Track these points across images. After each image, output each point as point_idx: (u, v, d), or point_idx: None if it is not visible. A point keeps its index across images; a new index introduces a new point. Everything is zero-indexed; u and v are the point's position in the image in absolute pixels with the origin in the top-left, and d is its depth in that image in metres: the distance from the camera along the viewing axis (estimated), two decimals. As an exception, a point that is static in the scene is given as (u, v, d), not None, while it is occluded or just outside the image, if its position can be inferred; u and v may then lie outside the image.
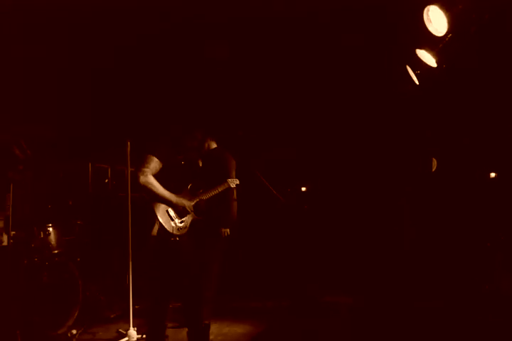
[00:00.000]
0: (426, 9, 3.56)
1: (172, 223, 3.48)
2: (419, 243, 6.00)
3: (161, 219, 3.44)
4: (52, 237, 4.26)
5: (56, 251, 4.26)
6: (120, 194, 5.60)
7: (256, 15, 4.59)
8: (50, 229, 4.25)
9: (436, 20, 3.54)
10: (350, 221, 6.70)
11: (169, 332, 3.77)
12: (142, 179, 3.32)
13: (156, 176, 3.41)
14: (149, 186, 3.34)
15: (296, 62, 5.43)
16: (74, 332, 4.11)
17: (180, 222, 3.53)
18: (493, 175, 6.20)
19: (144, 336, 4.02)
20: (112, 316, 4.66)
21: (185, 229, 3.54)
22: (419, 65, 4.18)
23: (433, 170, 6.02)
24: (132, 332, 4.12)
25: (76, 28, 4.58)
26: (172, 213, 3.51)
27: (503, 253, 5.06)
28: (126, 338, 4.10)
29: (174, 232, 3.46)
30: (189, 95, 5.55)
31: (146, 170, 3.35)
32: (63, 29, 4.56)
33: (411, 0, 3.72)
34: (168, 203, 3.46)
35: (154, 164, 3.40)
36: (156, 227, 3.44)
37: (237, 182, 4.06)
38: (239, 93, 5.89)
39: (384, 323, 4.37)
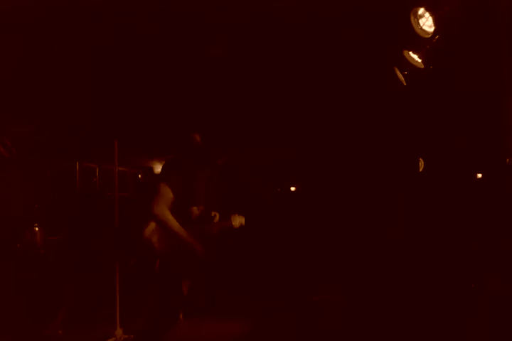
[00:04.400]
0: (413, 11, 3.59)
1: None
2: (407, 242, 6.04)
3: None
4: (39, 237, 4.24)
5: (43, 251, 4.24)
6: (108, 193, 5.58)
7: (249, 14, 4.59)
8: (37, 228, 4.22)
9: (423, 22, 3.57)
10: (340, 220, 6.73)
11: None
12: (157, 210, 3.15)
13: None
14: (165, 219, 3.18)
15: (287, 63, 5.44)
16: (61, 332, 4.09)
17: None
18: (479, 175, 6.27)
19: (132, 336, 4.00)
20: (100, 316, 4.64)
21: None
22: (406, 66, 4.21)
23: (420, 170, 6.07)
24: (119, 332, 4.11)
25: (68, 26, 4.55)
26: None
27: (490, 253, 5.11)
28: (114, 338, 4.09)
29: None
30: (180, 96, 5.55)
31: (160, 200, 3.18)
32: (54, 26, 4.53)
33: (398, 2, 3.75)
34: (182, 241, 3.25)
35: (168, 193, 3.22)
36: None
37: (243, 221, 3.86)
38: (229, 93, 5.88)
39: (374, 320, 4.40)
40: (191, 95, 5.48)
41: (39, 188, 4.90)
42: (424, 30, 3.63)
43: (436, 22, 3.40)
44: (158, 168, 7.14)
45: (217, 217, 3.78)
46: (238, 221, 3.84)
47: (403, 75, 4.41)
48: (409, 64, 4.08)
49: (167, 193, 3.21)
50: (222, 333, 4.28)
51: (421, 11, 3.47)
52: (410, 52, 3.99)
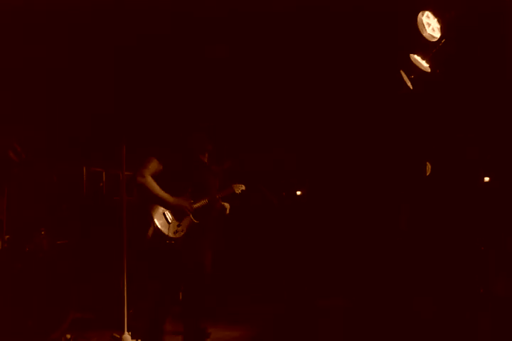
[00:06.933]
0: (420, 14, 3.60)
1: (169, 226, 3.47)
2: (413, 246, 6.02)
3: (157, 222, 3.43)
4: (47, 241, 4.24)
5: (50, 255, 4.24)
6: (115, 198, 5.58)
7: (248, 15, 4.60)
8: (44, 232, 4.23)
9: (430, 26, 3.58)
10: (344, 224, 6.72)
11: (166, 338, 3.73)
12: (140, 179, 3.34)
13: (158, 179, 3.41)
14: (146, 185, 3.35)
15: (291, 65, 5.46)
16: (68, 336, 4.09)
17: (178, 225, 3.51)
18: (487, 179, 6.24)
19: (139, 340, 4.00)
20: (107, 320, 4.64)
21: (183, 232, 3.51)
22: (413, 70, 4.22)
23: (427, 174, 6.06)
24: (127, 336, 4.10)
25: (71, 26, 4.57)
26: (169, 216, 3.49)
27: (498, 257, 5.09)
28: (121, 342, 4.08)
29: (170, 235, 3.43)
30: (186, 97, 5.56)
31: (144, 170, 3.38)
32: (58, 28, 4.55)
33: (405, 5, 3.76)
34: (166, 204, 3.43)
35: (154, 165, 3.42)
36: (151, 230, 3.43)
37: (243, 187, 3.98)
38: (236, 95, 5.90)
39: (378, 325, 4.38)
40: (198, 100, 5.50)
41: (46, 192, 4.91)
42: (430, 34, 3.64)
43: (443, 26, 3.40)
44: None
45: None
46: (239, 188, 3.96)
47: (410, 79, 4.42)
48: (416, 68, 4.09)
49: (152, 163, 3.41)
50: (223, 338, 4.27)
51: (428, 14, 3.48)
52: (417, 56, 3.99)
